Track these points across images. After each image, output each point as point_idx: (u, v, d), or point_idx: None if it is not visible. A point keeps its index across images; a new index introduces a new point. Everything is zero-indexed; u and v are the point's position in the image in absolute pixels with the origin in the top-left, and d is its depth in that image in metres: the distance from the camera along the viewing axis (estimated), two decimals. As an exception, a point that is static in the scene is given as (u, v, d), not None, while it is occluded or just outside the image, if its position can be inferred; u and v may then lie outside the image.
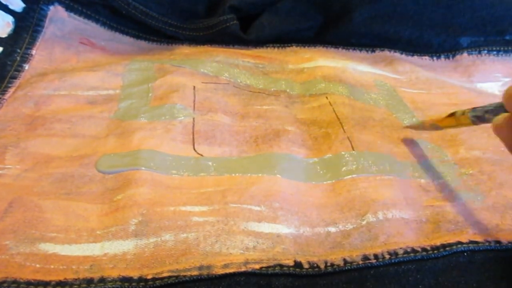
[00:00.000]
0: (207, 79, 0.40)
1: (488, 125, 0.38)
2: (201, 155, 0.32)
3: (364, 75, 0.44)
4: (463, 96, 0.43)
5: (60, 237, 0.25)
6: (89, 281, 0.23)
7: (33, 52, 0.38)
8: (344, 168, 0.31)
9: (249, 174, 0.30)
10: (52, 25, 0.40)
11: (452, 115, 0.30)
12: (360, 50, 0.48)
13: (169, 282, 0.23)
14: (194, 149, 0.32)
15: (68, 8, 0.41)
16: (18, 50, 0.37)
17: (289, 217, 0.28)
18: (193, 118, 0.35)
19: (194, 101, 0.36)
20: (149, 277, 0.23)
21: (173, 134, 0.32)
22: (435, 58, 0.48)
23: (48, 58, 0.39)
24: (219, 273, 0.24)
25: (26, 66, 0.37)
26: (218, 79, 0.40)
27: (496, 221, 0.29)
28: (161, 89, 0.37)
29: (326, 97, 0.39)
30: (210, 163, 0.31)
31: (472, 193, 0.31)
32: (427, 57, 0.48)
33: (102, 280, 0.23)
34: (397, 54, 0.48)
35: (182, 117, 0.34)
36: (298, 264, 0.25)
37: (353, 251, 0.26)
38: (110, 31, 0.44)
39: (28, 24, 0.39)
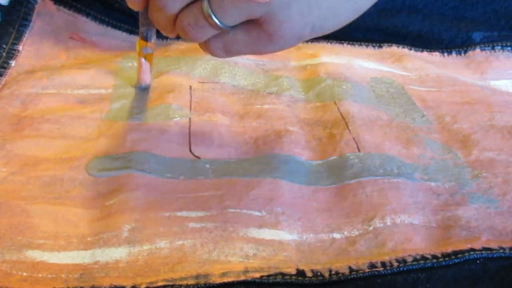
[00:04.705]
0: (204, 79, 0.40)
1: (501, 125, 0.38)
2: (198, 157, 0.32)
3: (371, 72, 0.44)
4: (476, 94, 0.43)
5: (48, 244, 0.25)
6: (80, 290, 0.23)
7: (20, 48, 0.38)
8: (349, 170, 0.31)
9: (249, 177, 0.30)
10: (40, 19, 0.40)
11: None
12: (367, 46, 0.48)
13: (164, 291, 0.23)
14: (191, 151, 0.32)
15: (57, 1, 0.41)
16: (4, 46, 0.38)
17: (292, 223, 0.28)
18: (190, 119, 0.35)
19: (190, 101, 0.36)
20: (143, 286, 0.23)
21: (168, 136, 0.33)
22: (446, 54, 0.48)
23: (35, 54, 0.39)
24: (217, 282, 0.24)
25: (13, 63, 0.37)
26: (216, 78, 0.40)
27: (511, 227, 0.29)
28: (156, 89, 0.37)
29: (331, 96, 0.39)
30: (207, 165, 0.31)
31: (485, 196, 0.31)
32: (437, 53, 0.48)
33: (93, 289, 0.23)
34: (406, 50, 0.48)
35: (178, 118, 0.34)
36: (300, 273, 0.25)
37: (359, 259, 0.26)
38: (102, 25, 0.44)
39: (14, 18, 0.39)
